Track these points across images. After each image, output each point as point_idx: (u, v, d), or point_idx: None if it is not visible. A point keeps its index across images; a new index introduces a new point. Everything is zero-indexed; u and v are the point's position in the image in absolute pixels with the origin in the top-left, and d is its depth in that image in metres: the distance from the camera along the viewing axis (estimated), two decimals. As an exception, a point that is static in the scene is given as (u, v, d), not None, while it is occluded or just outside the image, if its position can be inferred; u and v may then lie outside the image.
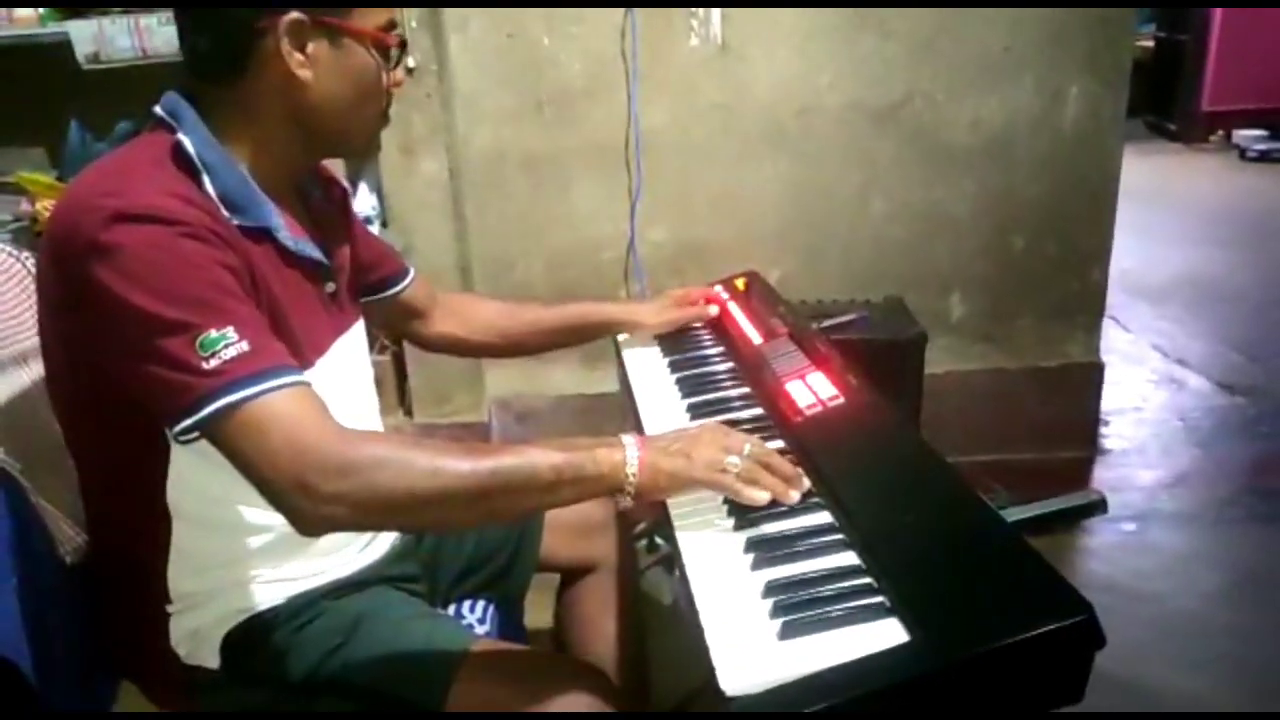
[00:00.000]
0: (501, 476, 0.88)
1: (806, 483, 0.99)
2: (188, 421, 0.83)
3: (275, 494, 0.84)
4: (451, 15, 2.22)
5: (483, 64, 2.28)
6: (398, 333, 1.21)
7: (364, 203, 2.37)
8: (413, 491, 0.85)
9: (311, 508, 0.83)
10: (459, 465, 0.87)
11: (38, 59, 2.15)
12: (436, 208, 2.32)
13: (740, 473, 0.95)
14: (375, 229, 2.33)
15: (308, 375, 0.93)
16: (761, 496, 0.95)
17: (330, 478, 0.82)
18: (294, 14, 0.91)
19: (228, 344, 0.83)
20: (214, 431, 0.83)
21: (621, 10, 2.23)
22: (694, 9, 2.25)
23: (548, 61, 2.29)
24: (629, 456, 0.93)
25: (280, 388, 0.84)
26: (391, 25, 1.00)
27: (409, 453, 0.86)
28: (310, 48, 0.93)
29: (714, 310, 1.52)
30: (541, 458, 0.90)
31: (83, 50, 2.06)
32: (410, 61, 2.16)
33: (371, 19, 0.96)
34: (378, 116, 1.03)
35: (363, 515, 0.86)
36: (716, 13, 2.26)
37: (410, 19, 2.14)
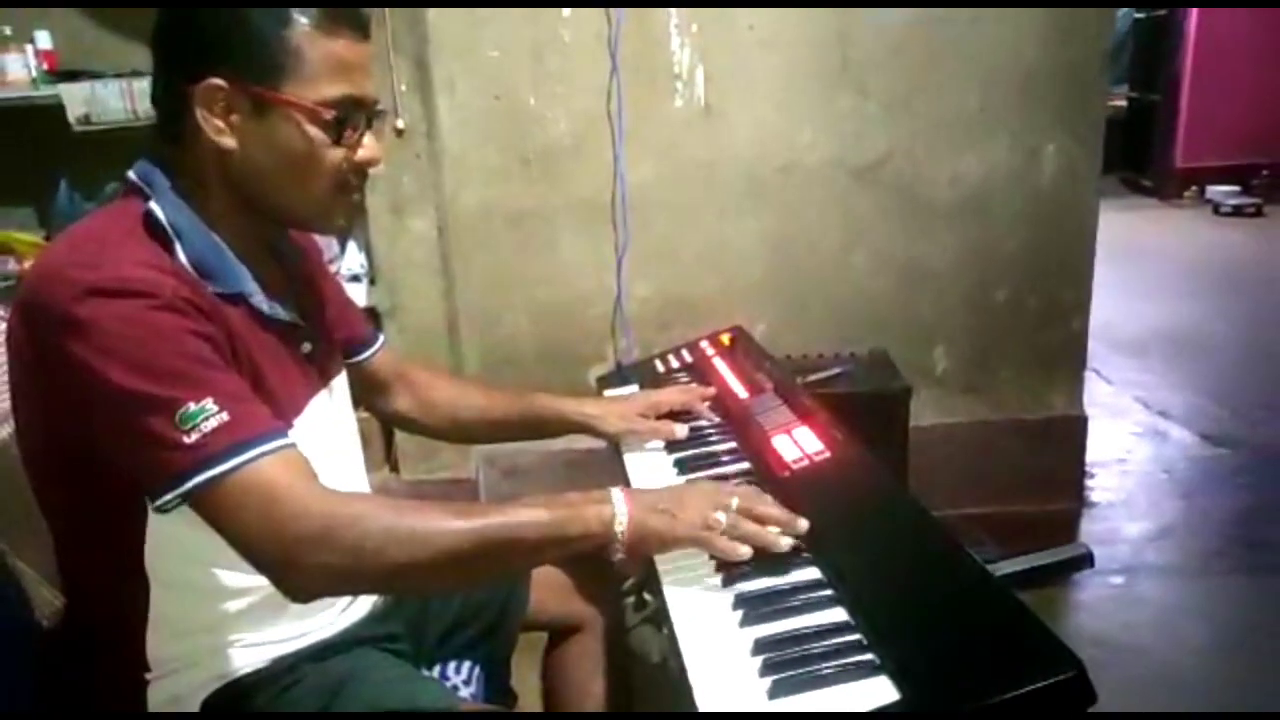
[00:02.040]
0: (489, 538, 0.88)
1: (803, 523, 0.98)
2: (170, 495, 0.82)
3: (261, 567, 0.84)
4: (440, 77, 2.26)
5: (471, 124, 2.32)
6: (356, 402, 1.18)
7: (352, 261, 2.38)
8: (399, 558, 0.85)
9: (298, 580, 0.83)
10: (445, 527, 0.86)
11: (30, 120, 2.17)
12: (424, 265, 2.34)
13: (726, 529, 0.95)
14: (363, 286, 2.35)
15: None
16: (743, 551, 0.95)
17: (314, 550, 0.82)
18: (212, 80, 0.89)
19: (207, 416, 0.82)
20: (197, 504, 0.83)
21: (606, 71, 2.28)
22: (678, 73, 2.30)
23: (534, 121, 2.33)
24: (618, 513, 0.93)
25: (262, 455, 0.83)
26: (347, 100, 0.93)
27: (394, 518, 0.86)
28: (235, 116, 0.91)
29: (681, 431, 1.34)
30: (528, 517, 0.89)
31: (74, 112, 2.09)
32: (399, 123, 2.19)
33: (313, 91, 0.91)
34: (325, 192, 0.96)
35: (350, 584, 0.87)
36: (699, 74, 2.31)
37: (400, 82, 2.18)
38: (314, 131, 0.92)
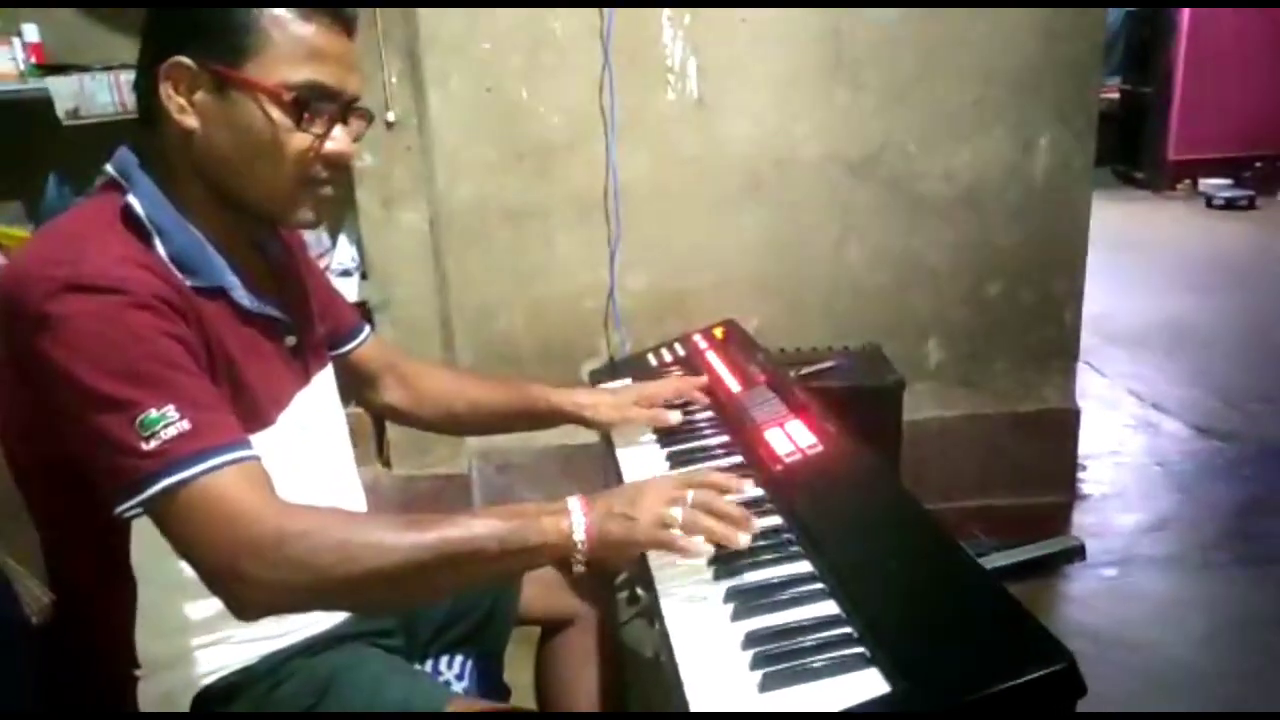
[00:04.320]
0: (446, 551, 0.86)
1: (756, 524, 0.97)
2: (128, 503, 0.81)
3: (210, 578, 0.82)
4: (431, 70, 2.25)
5: (463, 117, 2.31)
6: (345, 395, 1.17)
7: (343, 254, 2.37)
8: (354, 571, 0.83)
9: (246, 593, 0.82)
10: (402, 541, 0.85)
11: (18, 114, 2.15)
12: (417, 259, 2.33)
13: (684, 524, 0.93)
14: (355, 281, 2.34)
15: (269, 431, 0.91)
16: (704, 549, 0.94)
17: (266, 564, 0.81)
18: (177, 58, 0.88)
19: (168, 423, 0.81)
20: (155, 513, 0.82)
21: (599, 65, 2.27)
22: (670, 66, 2.29)
23: (527, 115, 2.32)
24: (574, 523, 0.91)
25: (219, 466, 0.82)
26: (314, 86, 0.91)
27: (349, 531, 0.85)
28: (198, 95, 0.90)
29: (675, 417, 1.35)
30: (484, 529, 0.88)
31: (63, 106, 2.07)
32: (390, 116, 2.18)
33: (276, 73, 0.89)
34: (288, 180, 0.94)
35: (304, 598, 0.84)
36: (693, 67, 2.31)
37: (391, 74, 2.17)
38: (275, 114, 0.90)
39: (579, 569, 0.92)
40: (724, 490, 0.99)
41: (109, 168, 0.95)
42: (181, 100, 0.90)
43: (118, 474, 0.81)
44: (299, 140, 0.92)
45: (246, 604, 0.83)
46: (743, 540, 0.94)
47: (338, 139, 0.95)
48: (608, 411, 1.35)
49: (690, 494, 0.96)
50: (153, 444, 0.80)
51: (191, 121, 0.91)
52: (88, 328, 0.81)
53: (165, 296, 0.86)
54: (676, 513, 0.94)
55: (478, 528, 0.88)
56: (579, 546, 0.91)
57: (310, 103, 0.91)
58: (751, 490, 1.07)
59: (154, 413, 0.81)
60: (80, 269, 0.83)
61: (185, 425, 0.82)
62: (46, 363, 0.82)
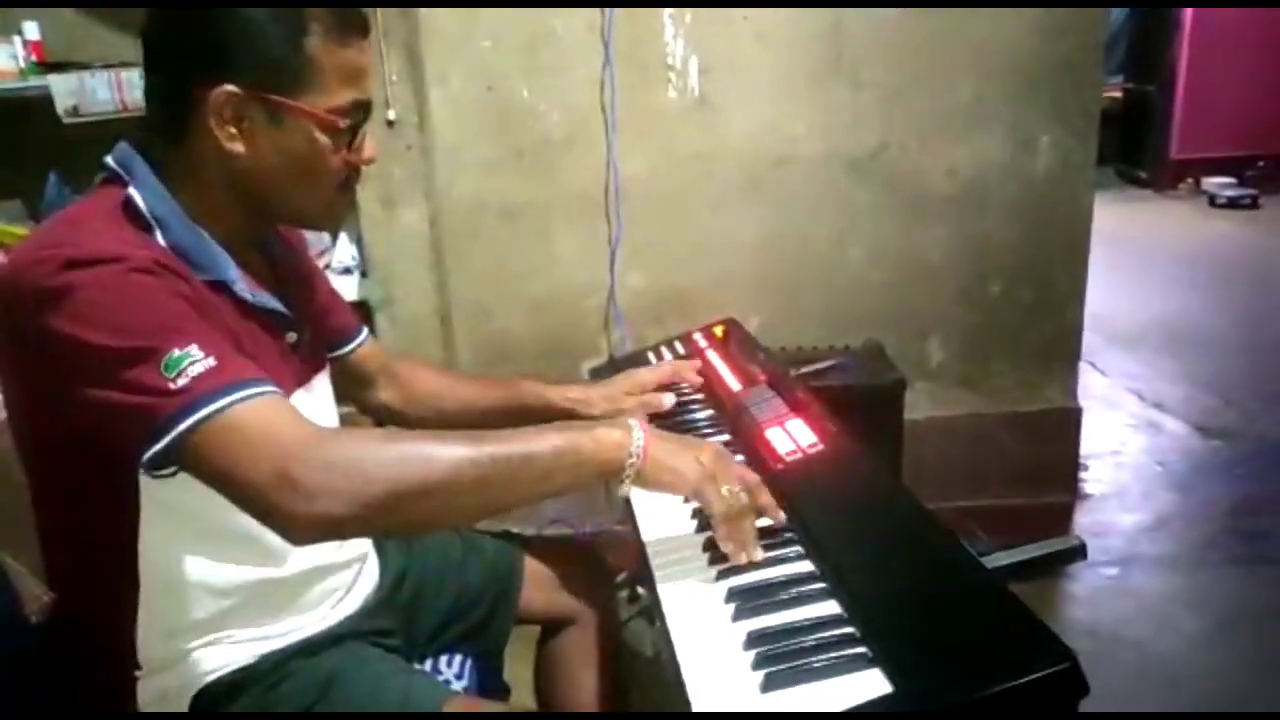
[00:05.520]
0: (499, 456, 0.85)
1: (760, 555, 0.97)
2: (161, 444, 0.79)
3: (259, 495, 0.79)
4: (432, 68, 2.25)
5: (463, 116, 2.31)
6: (340, 396, 1.17)
7: (343, 253, 2.37)
8: (403, 479, 0.81)
9: (299, 504, 0.78)
10: (451, 451, 0.84)
11: (18, 112, 2.15)
12: (416, 257, 2.33)
13: (729, 509, 0.94)
14: (354, 279, 2.33)
15: None
16: (757, 554, 0.95)
17: (316, 469, 0.79)
18: (226, 87, 0.89)
19: (193, 361, 0.80)
20: (189, 451, 0.80)
21: (600, 63, 2.27)
22: (671, 64, 2.29)
23: (527, 113, 2.32)
24: (634, 438, 0.91)
25: (252, 396, 0.81)
26: (356, 105, 0.95)
27: (397, 442, 0.84)
28: (246, 122, 0.91)
29: (668, 400, 1.35)
30: (538, 440, 0.88)
31: (63, 104, 2.07)
32: (390, 115, 2.18)
33: (326, 99, 0.92)
34: (330, 193, 0.98)
35: (354, 509, 0.80)
36: (693, 65, 2.30)
37: (391, 73, 2.17)
38: (323, 138, 0.93)
39: (624, 489, 0.92)
40: (762, 512, 0.99)
41: (109, 160, 0.94)
42: (231, 128, 0.91)
43: (148, 418, 0.79)
44: (339, 156, 0.96)
45: (299, 520, 0.80)
46: (741, 559, 0.95)
47: (368, 146, 0.99)
48: (601, 404, 1.34)
49: (743, 493, 0.95)
50: (181, 381, 0.79)
51: (238, 147, 0.92)
52: (94, 296, 0.81)
53: (166, 264, 0.86)
54: (729, 490, 0.94)
55: (530, 434, 0.88)
56: (633, 456, 0.90)
57: (358, 124, 0.95)
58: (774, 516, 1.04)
59: (177, 352, 0.80)
60: (80, 248, 0.83)
61: (211, 361, 0.81)
62: (58, 336, 0.81)
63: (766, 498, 0.99)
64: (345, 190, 1.00)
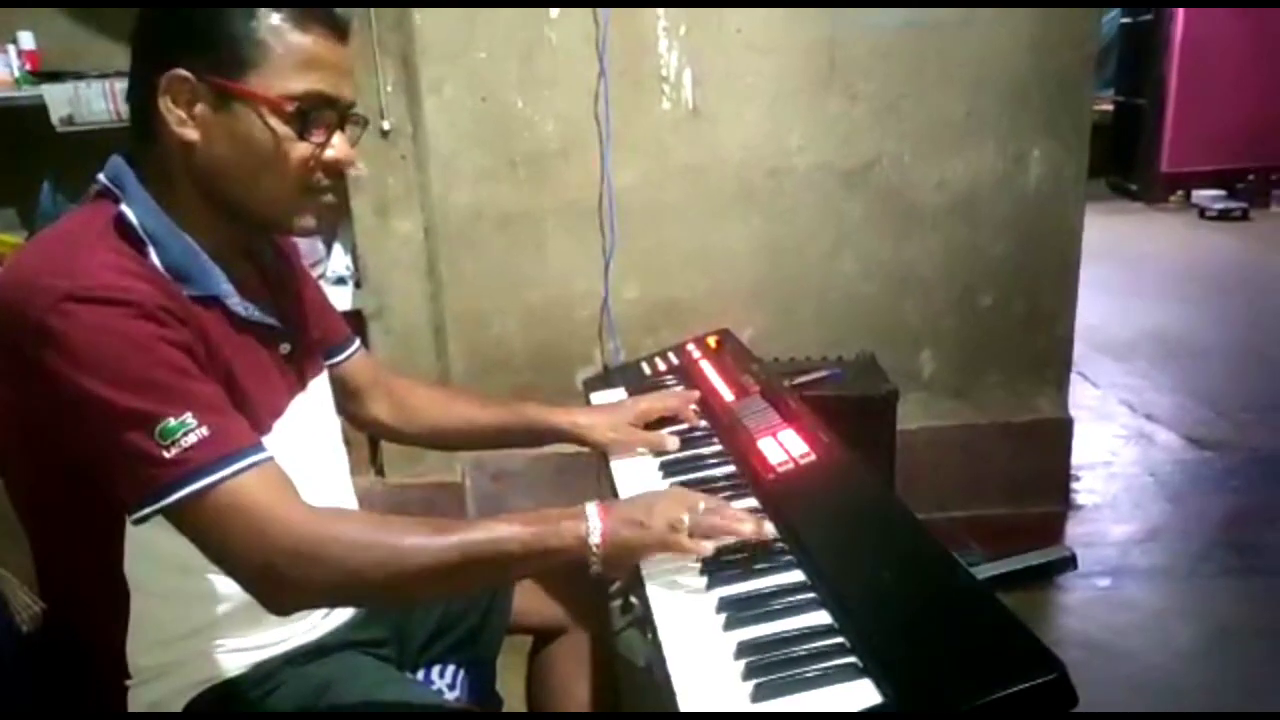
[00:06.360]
0: (471, 553, 0.90)
1: (770, 527, 1.01)
2: (150, 509, 0.83)
3: (244, 580, 0.86)
4: (427, 78, 2.26)
5: (457, 126, 2.31)
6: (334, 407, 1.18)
7: (338, 263, 2.37)
8: (381, 574, 0.87)
9: (279, 594, 0.86)
10: (428, 543, 0.89)
11: (12, 121, 2.15)
12: (411, 267, 2.33)
13: (692, 528, 0.98)
14: (349, 289, 2.34)
15: (267, 439, 0.91)
16: (705, 547, 0.97)
17: (296, 563, 0.84)
18: (176, 70, 0.88)
19: (187, 431, 0.82)
20: (175, 517, 0.84)
21: (595, 74, 2.27)
22: (665, 76, 2.30)
23: (522, 123, 2.32)
24: (591, 528, 0.95)
25: (242, 470, 0.84)
26: (314, 95, 0.91)
27: (376, 535, 0.89)
28: (198, 108, 0.90)
29: (673, 444, 1.32)
30: (507, 532, 0.92)
31: (57, 112, 2.07)
32: (385, 125, 2.18)
33: (277, 84, 0.89)
34: (293, 191, 0.94)
35: (330, 597, 0.90)
36: (687, 76, 2.31)
37: (386, 83, 2.17)
38: (277, 125, 0.91)
39: (595, 570, 0.96)
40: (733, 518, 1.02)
41: (101, 177, 0.94)
42: (181, 113, 0.90)
43: (141, 484, 0.83)
44: (300, 149, 0.93)
45: (283, 604, 0.89)
46: (745, 530, 0.99)
47: (337, 146, 0.96)
48: (606, 432, 1.35)
49: (702, 504, 1.00)
50: (174, 452, 0.82)
51: (192, 134, 0.91)
52: (94, 340, 0.82)
53: (166, 306, 0.86)
54: (685, 518, 0.98)
55: (501, 531, 0.92)
56: (594, 550, 0.94)
57: (311, 112, 0.92)
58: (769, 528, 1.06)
59: (172, 421, 0.82)
60: (78, 281, 0.83)
61: (204, 432, 0.83)
62: (56, 377, 0.82)
63: (729, 509, 1.03)
64: (310, 191, 0.96)
